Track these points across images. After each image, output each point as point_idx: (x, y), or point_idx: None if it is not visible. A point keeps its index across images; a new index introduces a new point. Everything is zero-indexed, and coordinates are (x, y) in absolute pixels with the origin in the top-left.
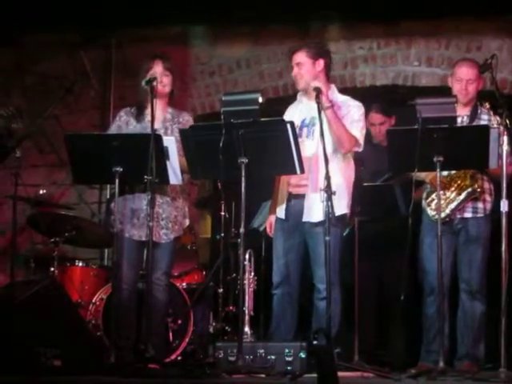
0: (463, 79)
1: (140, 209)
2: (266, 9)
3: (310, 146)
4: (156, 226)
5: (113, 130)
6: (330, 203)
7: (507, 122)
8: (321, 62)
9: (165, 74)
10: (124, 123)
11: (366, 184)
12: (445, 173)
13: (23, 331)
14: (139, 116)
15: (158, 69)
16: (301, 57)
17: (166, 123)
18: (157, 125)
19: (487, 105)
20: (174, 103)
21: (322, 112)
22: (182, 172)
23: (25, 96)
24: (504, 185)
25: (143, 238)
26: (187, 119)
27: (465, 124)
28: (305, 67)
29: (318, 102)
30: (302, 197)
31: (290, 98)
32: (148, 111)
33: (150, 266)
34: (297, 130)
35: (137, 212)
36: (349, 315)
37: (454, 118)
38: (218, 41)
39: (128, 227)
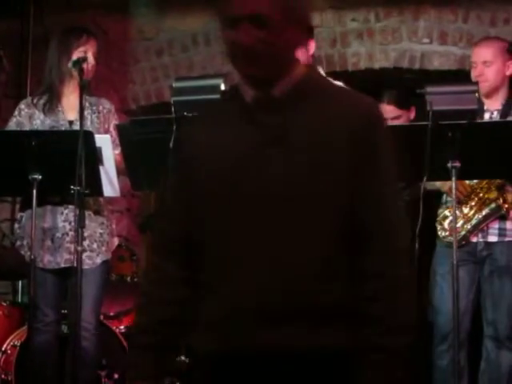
0: (477, 62)
1: (54, 227)
2: None
3: None
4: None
5: (11, 127)
6: None
7: None
8: (312, 44)
9: (95, 56)
10: (26, 118)
11: None
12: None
13: None
14: (49, 106)
15: (92, 49)
16: None
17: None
18: (72, 115)
19: None
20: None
21: None
22: (119, 174)
23: None
24: None
25: (62, 265)
26: (108, 108)
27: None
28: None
29: None
30: None
31: None
32: (62, 100)
33: (79, 304)
34: None
35: (49, 232)
36: None
37: (475, 112)
38: (168, 10)
39: (40, 253)
